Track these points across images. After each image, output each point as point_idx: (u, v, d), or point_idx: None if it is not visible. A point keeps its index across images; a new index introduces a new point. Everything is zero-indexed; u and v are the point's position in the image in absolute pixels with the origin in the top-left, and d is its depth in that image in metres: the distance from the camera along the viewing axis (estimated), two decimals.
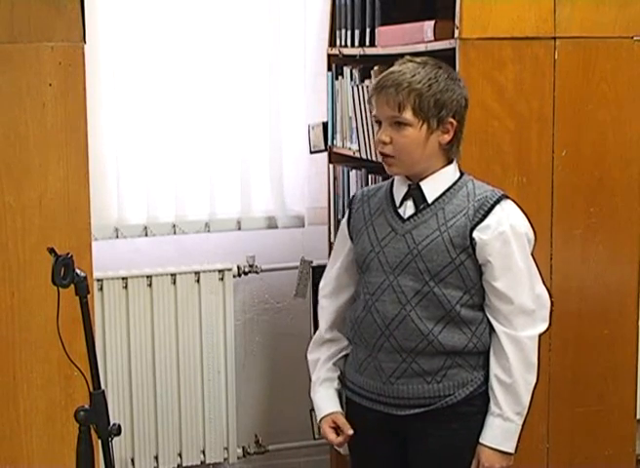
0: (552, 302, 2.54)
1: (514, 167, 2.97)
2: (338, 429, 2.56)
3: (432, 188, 2.44)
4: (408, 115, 2.38)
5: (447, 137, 2.43)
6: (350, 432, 2.54)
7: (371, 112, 2.49)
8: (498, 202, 2.42)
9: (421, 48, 3.03)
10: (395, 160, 2.42)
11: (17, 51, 2.79)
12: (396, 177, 2.51)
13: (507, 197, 2.46)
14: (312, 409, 3.90)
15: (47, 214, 2.85)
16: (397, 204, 2.48)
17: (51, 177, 2.85)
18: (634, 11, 3.04)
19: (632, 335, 3.19)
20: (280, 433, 4.11)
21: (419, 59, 2.45)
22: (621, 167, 3.09)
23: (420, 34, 3.03)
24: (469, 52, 2.87)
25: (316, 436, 3.94)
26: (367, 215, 2.52)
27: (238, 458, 4.02)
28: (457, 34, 2.86)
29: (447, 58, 2.88)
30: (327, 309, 2.64)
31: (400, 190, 2.48)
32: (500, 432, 2.44)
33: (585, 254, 3.09)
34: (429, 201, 2.44)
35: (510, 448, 2.45)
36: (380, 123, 2.44)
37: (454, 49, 2.87)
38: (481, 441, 2.45)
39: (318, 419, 2.61)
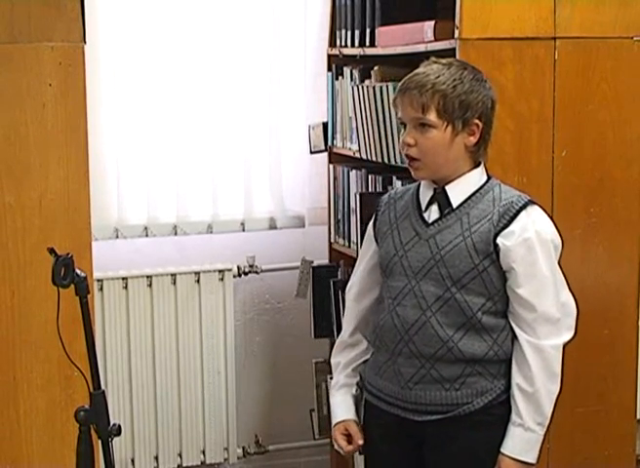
0: (579, 311, 2.51)
1: (514, 167, 2.97)
2: (349, 437, 2.56)
3: (458, 192, 2.40)
4: (432, 117, 2.34)
5: (473, 139, 2.38)
6: (361, 442, 2.53)
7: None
8: (523, 207, 2.37)
9: (421, 48, 3.03)
10: (420, 163, 2.38)
11: (17, 51, 2.78)
12: (423, 181, 2.47)
13: (534, 203, 2.41)
14: (312, 410, 3.93)
15: (47, 214, 2.85)
16: (423, 208, 2.44)
17: (51, 177, 2.85)
18: (634, 11, 3.03)
19: (632, 335, 3.19)
20: (280, 433, 4.11)
21: (444, 61, 2.41)
22: (621, 167, 3.09)
23: (420, 34, 3.03)
24: (469, 52, 2.87)
25: (316, 436, 3.95)
26: (392, 219, 2.49)
27: (238, 458, 4.02)
28: (457, 34, 2.86)
29: (447, 58, 2.88)
30: (351, 312, 2.62)
31: (426, 194, 2.45)
32: (520, 442, 2.40)
33: (585, 255, 3.09)
34: (454, 205, 2.40)
35: (532, 458, 2.42)
36: (404, 125, 2.41)
37: (454, 49, 2.87)
38: (502, 450, 2.41)
39: (332, 424, 2.60)
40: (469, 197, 2.40)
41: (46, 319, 2.81)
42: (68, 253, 2.18)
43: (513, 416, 2.40)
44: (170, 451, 3.90)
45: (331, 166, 3.87)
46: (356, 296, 2.61)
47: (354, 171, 3.65)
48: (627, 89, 3.06)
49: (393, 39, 3.24)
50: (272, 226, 4.04)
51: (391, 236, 2.47)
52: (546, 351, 2.38)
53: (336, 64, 3.76)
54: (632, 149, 3.10)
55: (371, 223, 2.58)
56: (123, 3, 3.72)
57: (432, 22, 2.97)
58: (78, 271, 2.20)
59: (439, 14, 3.16)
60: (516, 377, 2.39)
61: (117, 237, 3.83)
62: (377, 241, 2.54)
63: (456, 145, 2.37)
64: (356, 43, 3.55)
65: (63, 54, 2.82)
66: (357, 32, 3.54)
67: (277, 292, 4.09)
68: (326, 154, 3.89)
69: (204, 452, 3.95)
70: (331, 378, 2.81)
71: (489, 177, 2.45)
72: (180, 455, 3.91)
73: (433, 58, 2.44)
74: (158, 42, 3.78)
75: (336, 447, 2.61)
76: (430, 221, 2.42)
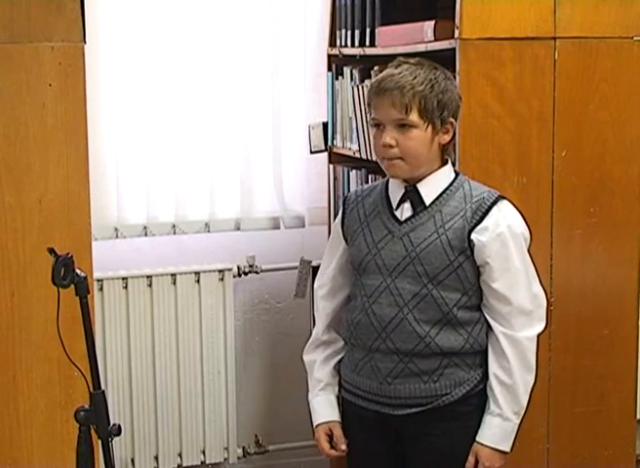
0: (549, 302, 2.54)
1: (514, 167, 2.97)
2: (332, 439, 2.58)
3: (429, 190, 2.44)
4: (414, 117, 2.37)
5: (447, 138, 2.43)
6: (344, 448, 2.56)
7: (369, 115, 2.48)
8: (495, 203, 2.42)
9: (421, 48, 3.03)
10: (401, 162, 2.40)
11: (17, 51, 2.78)
12: (391, 179, 2.50)
13: (504, 197, 2.46)
14: None
15: (47, 214, 2.85)
16: (394, 206, 2.47)
17: (51, 177, 2.84)
18: (634, 11, 3.03)
19: (632, 336, 3.19)
20: (280, 433, 4.11)
21: (413, 60, 2.44)
22: (621, 167, 3.09)
23: (420, 34, 3.03)
24: (469, 52, 2.87)
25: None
26: (362, 217, 2.51)
27: (238, 458, 4.02)
28: (457, 34, 2.86)
29: (447, 58, 2.88)
30: (324, 310, 2.63)
31: (396, 192, 2.47)
32: (498, 431, 2.45)
33: (585, 254, 3.09)
34: (427, 203, 2.43)
35: (507, 447, 2.47)
36: (378, 126, 2.42)
37: (454, 49, 2.87)
38: (479, 440, 2.46)
39: (315, 424, 2.61)
40: (441, 194, 2.44)
41: (46, 319, 2.81)
42: (68, 253, 2.17)
43: (491, 406, 2.44)
44: (170, 451, 3.90)
45: (331, 166, 3.87)
46: (328, 295, 2.62)
47: (354, 171, 3.65)
48: (627, 89, 3.06)
49: (393, 39, 3.24)
50: (272, 226, 4.04)
51: (362, 234, 2.49)
52: (522, 342, 2.44)
53: (336, 64, 3.76)
54: (632, 149, 3.10)
55: (338, 222, 2.60)
56: (123, 3, 3.72)
57: (432, 22, 2.97)
58: (78, 271, 2.20)
59: (439, 14, 3.17)
60: (494, 369, 2.44)
61: (117, 237, 3.83)
62: (346, 239, 2.56)
63: (434, 144, 2.41)
64: (356, 43, 3.55)
65: (63, 54, 2.81)
66: (357, 32, 3.54)
67: (277, 292, 4.09)
68: (326, 154, 3.89)
69: (204, 452, 3.95)
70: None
71: (457, 174, 2.49)
72: (180, 455, 3.91)
73: (401, 58, 2.47)
74: (158, 42, 3.78)
75: (321, 449, 2.60)
76: (403, 219, 2.45)
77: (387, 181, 2.52)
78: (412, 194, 2.45)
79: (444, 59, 2.94)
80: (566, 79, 2.99)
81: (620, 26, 3.02)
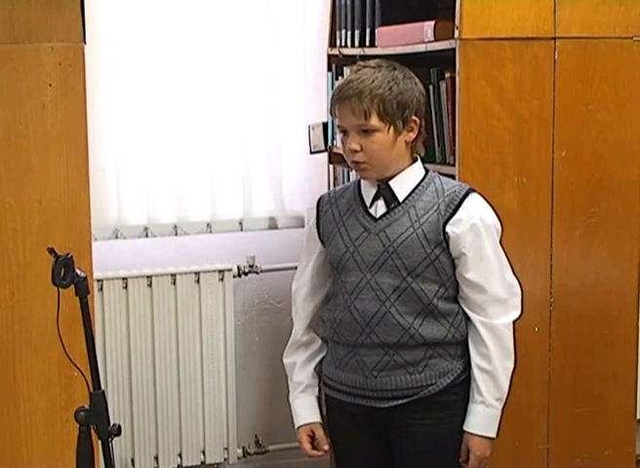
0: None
1: (514, 167, 2.97)
2: (314, 440, 2.61)
3: (402, 187, 2.49)
4: (374, 121, 2.42)
5: (412, 135, 2.48)
6: (326, 448, 2.61)
7: (333, 122, 2.52)
8: (466, 196, 2.48)
9: (421, 48, 3.03)
10: (368, 165, 2.47)
11: (17, 51, 2.78)
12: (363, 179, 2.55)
13: (474, 190, 2.52)
14: None
15: (47, 215, 2.85)
16: (368, 204, 2.52)
17: (51, 177, 2.84)
18: (634, 11, 3.04)
19: (632, 335, 3.19)
20: (280, 433, 4.11)
21: (372, 63, 2.48)
22: (621, 167, 3.09)
23: (420, 34, 3.03)
24: (469, 52, 2.87)
25: None
26: (337, 217, 2.56)
27: (238, 458, 4.02)
28: (457, 34, 2.86)
29: (447, 58, 2.89)
30: (302, 311, 2.68)
31: (369, 191, 2.53)
32: (483, 418, 2.51)
33: (585, 254, 3.09)
34: (400, 199, 2.49)
35: (493, 433, 2.53)
36: (344, 132, 2.48)
37: (454, 49, 2.87)
38: (467, 429, 2.51)
39: (296, 425, 2.65)
40: (413, 190, 2.49)
41: (46, 319, 2.80)
42: (68, 254, 2.17)
43: (474, 395, 2.51)
44: (170, 451, 3.89)
45: (331, 166, 3.87)
46: (307, 296, 2.66)
47: (354, 171, 3.64)
48: (627, 89, 3.06)
49: (393, 39, 3.24)
50: (272, 226, 4.04)
51: (339, 234, 2.54)
52: (499, 329, 2.50)
53: (336, 64, 3.76)
54: (632, 149, 3.10)
55: (312, 224, 2.64)
56: (123, 3, 3.72)
57: (432, 22, 2.97)
58: (78, 271, 2.20)
59: (439, 14, 3.17)
60: (474, 357, 2.51)
61: (117, 237, 3.83)
62: (322, 241, 2.60)
63: (398, 144, 2.47)
64: (356, 43, 3.55)
65: (63, 54, 2.81)
66: (357, 32, 3.54)
67: (277, 293, 4.09)
68: (326, 154, 3.90)
69: (204, 452, 3.95)
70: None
71: (427, 170, 2.54)
72: (180, 455, 3.91)
73: (360, 63, 2.53)
74: (158, 42, 3.78)
75: (303, 450, 2.63)
76: (378, 216, 2.50)
77: (359, 181, 2.58)
78: (385, 191, 2.50)
79: (444, 60, 2.95)
80: (566, 79, 2.99)
81: (620, 26, 3.02)
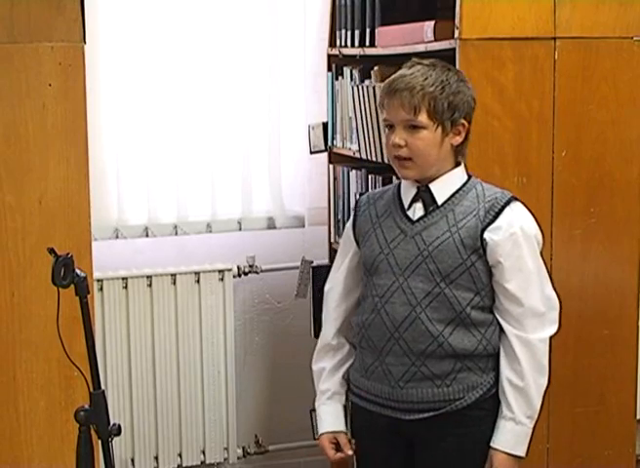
0: (561, 304, 2.52)
1: (514, 167, 2.97)
2: (337, 446, 2.56)
3: (442, 190, 2.44)
4: (423, 118, 2.37)
5: (459, 139, 2.43)
6: (350, 453, 2.54)
7: (377, 116, 2.48)
8: (507, 203, 2.42)
9: (421, 48, 3.03)
10: (411, 163, 2.41)
11: (17, 51, 2.78)
12: (404, 181, 2.49)
13: (516, 199, 2.46)
14: (313, 410, 3.91)
15: (47, 215, 2.85)
16: (406, 206, 2.47)
17: (51, 178, 2.84)
18: (634, 11, 3.03)
19: (632, 335, 3.19)
20: (280, 433, 4.11)
21: (427, 62, 2.44)
22: (621, 167, 3.09)
23: (420, 34, 3.03)
24: (469, 52, 2.87)
25: (316, 436, 3.93)
26: (374, 218, 2.51)
27: (238, 458, 4.02)
28: (457, 34, 2.86)
29: (447, 58, 2.88)
30: (333, 314, 2.61)
31: (408, 192, 2.47)
32: (512, 436, 2.42)
33: (585, 254, 3.09)
34: (439, 202, 2.43)
35: (522, 451, 2.43)
36: (390, 126, 2.43)
37: (454, 49, 2.87)
38: (493, 445, 2.43)
39: (319, 432, 2.60)
40: (453, 194, 2.44)
41: (46, 319, 2.81)
42: (68, 253, 2.17)
43: (504, 410, 2.42)
44: (170, 451, 3.90)
45: (331, 166, 3.87)
46: (339, 297, 2.61)
47: (354, 171, 3.65)
48: (627, 89, 3.06)
49: (393, 39, 3.24)
50: (272, 226, 4.04)
51: (374, 235, 2.48)
52: (534, 345, 2.42)
53: (336, 64, 3.76)
54: (632, 149, 3.10)
55: (349, 225, 2.59)
56: (123, 3, 3.72)
57: (432, 22, 2.97)
58: (78, 271, 2.20)
59: (439, 14, 3.17)
60: (506, 372, 2.42)
61: (117, 237, 3.84)
62: (357, 242, 2.55)
63: (444, 145, 2.41)
64: (356, 43, 3.55)
65: (63, 54, 2.81)
66: (357, 32, 3.54)
67: (277, 293, 4.09)
68: (326, 154, 3.89)
69: (204, 452, 3.95)
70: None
71: (469, 176, 2.49)
72: (180, 455, 3.91)
73: (415, 59, 2.47)
74: (158, 42, 3.78)
75: (326, 456, 2.59)
76: (415, 219, 2.44)
77: (399, 184, 2.52)
78: (424, 194, 2.44)
79: (444, 60, 2.95)
80: (566, 79, 2.99)
81: (620, 26, 3.02)
